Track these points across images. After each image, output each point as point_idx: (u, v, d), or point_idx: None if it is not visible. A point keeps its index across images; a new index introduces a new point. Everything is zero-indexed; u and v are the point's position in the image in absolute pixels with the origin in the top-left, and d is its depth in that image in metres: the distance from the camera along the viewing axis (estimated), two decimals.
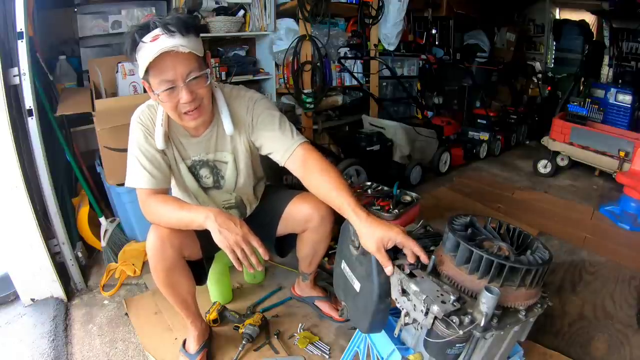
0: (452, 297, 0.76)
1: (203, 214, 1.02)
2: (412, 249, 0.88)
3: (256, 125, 1.19)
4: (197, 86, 1.05)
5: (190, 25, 1.00)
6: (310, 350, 1.40)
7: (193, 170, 1.25)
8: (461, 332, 0.72)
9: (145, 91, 2.12)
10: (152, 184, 1.12)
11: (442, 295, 0.77)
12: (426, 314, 0.75)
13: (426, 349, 0.82)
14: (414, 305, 0.79)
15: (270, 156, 1.20)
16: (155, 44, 0.97)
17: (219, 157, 1.25)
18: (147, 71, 1.01)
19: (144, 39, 0.98)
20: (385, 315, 0.91)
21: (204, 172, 1.26)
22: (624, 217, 2.45)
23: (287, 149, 1.14)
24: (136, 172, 1.12)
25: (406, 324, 0.82)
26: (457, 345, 0.76)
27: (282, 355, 1.39)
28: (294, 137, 1.16)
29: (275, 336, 1.46)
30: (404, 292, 0.82)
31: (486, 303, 0.72)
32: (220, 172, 1.27)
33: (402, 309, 0.83)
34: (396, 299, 0.85)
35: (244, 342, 1.38)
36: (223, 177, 1.28)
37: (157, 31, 0.98)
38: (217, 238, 0.99)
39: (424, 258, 0.87)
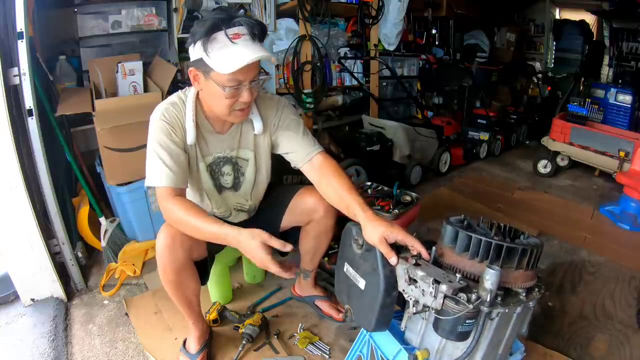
0: (458, 276, 0.82)
1: (231, 236, 1.01)
2: (412, 245, 0.93)
3: (281, 126, 1.27)
4: (255, 89, 1.11)
5: (265, 34, 1.09)
6: (310, 350, 1.40)
7: (213, 167, 1.27)
8: (471, 307, 0.77)
9: (145, 91, 2.14)
10: (173, 182, 1.11)
11: (447, 276, 0.82)
12: (435, 295, 0.80)
13: (437, 330, 0.85)
14: (422, 290, 0.83)
15: (288, 156, 1.28)
16: (241, 45, 1.01)
17: (241, 155, 1.29)
18: (211, 67, 1.03)
19: (221, 32, 1.00)
20: (391, 311, 0.94)
21: (226, 169, 1.29)
22: (624, 217, 2.45)
23: (308, 153, 1.24)
24: (157, 170, 1.11)
25: (415, 313, 0.86)
26: (467, 321, 0.80)
27: (282, 355, 1.39)
28: (315, 144, 1.26)
29: (275, 336, 1.46)
30: (411, 280, 0.86)
31: (490, 279, 0.78)
32: (241, 169, 1.31)
33: (410, 298, 0.87)
34: (403, 290, 0.89)
35: (244, 342, 1.38)
36: (243, 174, 1.32)
37: (242, 30, 1.02)
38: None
39: (424, 253, 0.91)
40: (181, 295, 1.24)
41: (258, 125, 1.23)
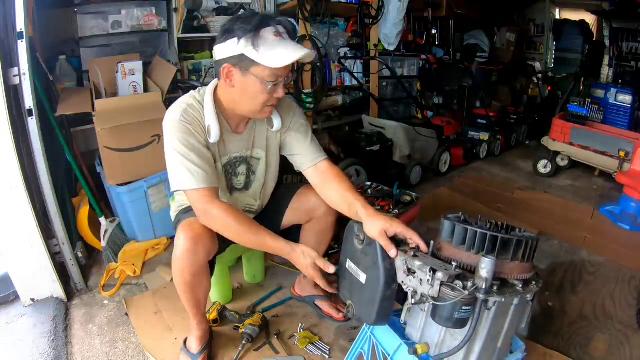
0: (454, 264, 0.85)
1: (285, 251, 1.13)
2: (412, 238, 0.97)
3: (292, 128, 1.31)
4: (285, 86, 1.15)
5: (297, 35, 1.16)
6: (310, 350, 1.40)
7: (228, 168, 1.28)
8: (467, 292, 0.79)
9: (145, 91, 2.14)
10: (209, 183, 1.10)
11: (444, 265, 0.86)
12: (432, 283, 0.83)
13: (434, 318, 0.86)
14: (420, 279, 0.86)
15: (294, 157, 1.32)
16: (287, 42, 1.07)
17: (254, 154, 1.32)
18: (257, 62, 1.05)
19: (269, 27, 1.05)
20: (391, 304, 0.96)
21: (241, 169, 1.31)
22: (624, 217, 2.45)
23: (314, 159, 1.28)
24: (188, 172, 1.09)
25: (414, 304, 0.87)
26: (463, 307, 0.81)
27: (282, 355, 1.39)
28: (321, 151, 1.31)
29: (275, 336, 1.46)
30: (410, 271, 0.89)
31: (485, 267, 0.80)
32: (252, 168, 1.33)
33: (409, 289, 0.89)
34: (402, 282, 0.91)
35: (244, 342, 1.38)
36: (254, 172, 1.34)
37: (282, 28, 1.07)
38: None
39: (422, 246, 0.95)
40: (193, 296, 1.23)
41: (277, 123, 1.25)
